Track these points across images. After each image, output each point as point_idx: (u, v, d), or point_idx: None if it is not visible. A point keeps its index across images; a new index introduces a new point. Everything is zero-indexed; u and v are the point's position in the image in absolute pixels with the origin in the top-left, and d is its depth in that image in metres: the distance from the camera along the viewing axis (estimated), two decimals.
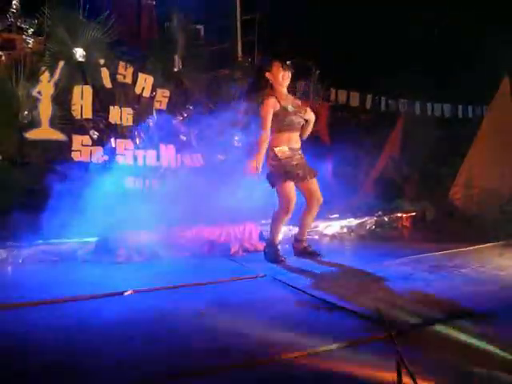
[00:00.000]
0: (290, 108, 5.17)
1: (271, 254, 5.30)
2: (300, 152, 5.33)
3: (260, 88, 5.29)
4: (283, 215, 5.23)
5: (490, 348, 2.80)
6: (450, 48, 10.41)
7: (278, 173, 5.12)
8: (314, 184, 5.32)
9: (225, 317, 3.51)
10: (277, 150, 5.14)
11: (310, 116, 5.35)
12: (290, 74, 5.29)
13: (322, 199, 5.35)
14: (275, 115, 5.13)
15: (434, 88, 10.30)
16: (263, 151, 5.11)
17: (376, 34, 10.40)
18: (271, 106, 5.12)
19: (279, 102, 5.15)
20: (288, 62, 5.25)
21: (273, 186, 5.19)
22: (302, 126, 5.36)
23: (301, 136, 5.38)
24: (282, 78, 5.21)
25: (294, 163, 5.16)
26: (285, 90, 5.31)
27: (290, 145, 5.21)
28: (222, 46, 8.17)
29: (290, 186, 5.14)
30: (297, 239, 5.56)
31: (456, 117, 11.42)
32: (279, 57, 5.28)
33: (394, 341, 2.48)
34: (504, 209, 7.74)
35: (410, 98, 11.13)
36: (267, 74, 5.24)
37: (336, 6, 10.14)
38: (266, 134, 5.11)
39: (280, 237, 5.50)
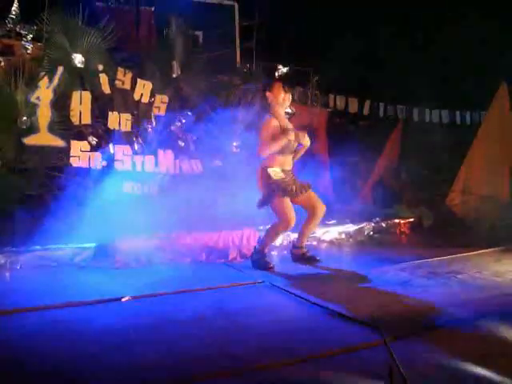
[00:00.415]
0: (290, 132, 5.15)
1: (259, 260, 5.27)
2: (291, 173, 5.35)
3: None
4: (282, 230, 5.25)
5: (487, 353, 2.81)
6: (448, 54, 10.44)
7: (272, 191, 5.13)
8: (311, 195, 5.35)
9: (224, 323, 3.52)
10: (270, 170, 5.13)
11: (307, 141, 5.35)
12: (290, 96, 5.33)
13: (324, 207, 5.37)
14: (274, 136, 5.13)
15: (432, 94, 10.32)
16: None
17: (375, 40, 10.45)
18: (273, 126, 5.16)
19: (280, 124, 5.17)
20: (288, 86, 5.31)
21: (267, 204, 5.20)
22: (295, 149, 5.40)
23: (293, 158, 5.41)
24: (283, 99, 5.24)
25: (286, 181, 5.16)
26: (283, 112, 5.34)
27: (284, 167, 5.23)
28: (220, 52, 8.17)
29: (286, 203, 5.14)
30: (295, 246, 5.56)
31: (454, 123, 11.44)
32: (282, 79, 5.33)
33: (389, 347, 2.48)
34: (502, 214, 7.76)
35: (408, 104, 11.16)
36: (267, 94, 5.28)
37: (335, 12, 10.18)
38: (264, 151, 5.14)
39: (270, 247, 5.52)
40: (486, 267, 5.13)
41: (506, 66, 8.48)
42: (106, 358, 2.88)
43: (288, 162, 5.29)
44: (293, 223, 5.14)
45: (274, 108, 5.26)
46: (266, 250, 5.36)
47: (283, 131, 5.13)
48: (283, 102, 5.26)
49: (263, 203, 5.23)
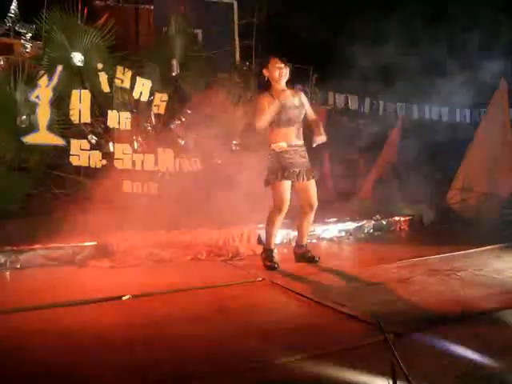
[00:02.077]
0: (287, 103, 5.03)
1: (265, 258, 5.19)
2: (303, 149, 5.19)
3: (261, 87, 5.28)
4: (276, 215, 5.10)
5: (488, 351, 2.81)
6: (447, 52, 10.43)
7: (274, 170, 5.03)
8: (310, 186, 5.18)
9: (225, 321, 3.53)
10: (273, 145, 5.03)
11: (304, 99, 5.26)
12: (288, 71, 5.13)
13: (316, 204, 5.23)
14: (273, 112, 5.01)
15: (432, 92, 10.33)
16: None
17: (375, 38, 10.43)
18: (265, 102, 5.01)
19: (274, 99, 5.01)
20: (284, 58, 5.12)
21: (267, 184, 5.10)
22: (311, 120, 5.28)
23: (316, 135, 5.17)
24: (279, 74, 5.07)
25: (291, 161, 5.03)
26: (282, 87, 5.12)
27: (289, 141, 5.06)
28: (219, 50, 8.17)
29: (285, 186, 5.03)
30: (297, 244, 5.53)
31: (454, 120, 11.46)
32: (275, 53, 5.15)
33: (390, 344, 2.48)
34: (502, 212, 7.77)
35: (407, 102, 11.17)
36: (264, 71, 5.15)
37: (335, 11, 10.19)
38: (260, 125, 5.03)
39: (275, 240, 5.41)
40: (486, 264, 5.11)
41: (505, 64, 8.47)
42: (107, 356, 2.88)
43: (294, 134, 5.10)
44: (285, 207, 5.04)
45: (272, 85, 5.12)
46: (272, 246, 5.23)
47: (280, 108, 4.99)
48: (280, 77, 5.07)
49: (267, 182, 5.10)
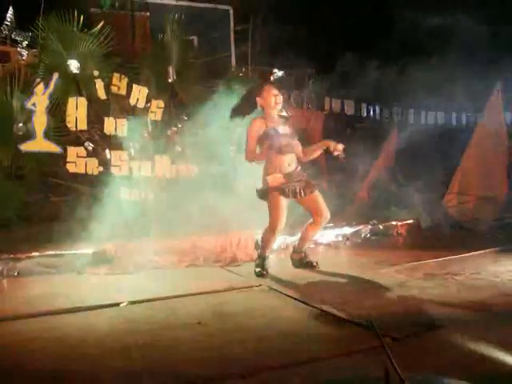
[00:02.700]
0: (279, 130, 4.99)
1: (257, 265, 5.16)
2: (299, 171, 5.12)
3: (247, 110, 5.21)
4: (271, 235, 5.08)
5: (486, 354, 2.82)
6: (442, 56, 10.46)
7: (272, 188, 4.95)
8: (315, 199, 5.11)
9: (223, 326, 3.53)
10: (269, 179, 4.94)
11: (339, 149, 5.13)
12: (282, 98, 5.14)
13: (327, 214, 5.15)
14: (264, 138, 4.96)
15: (428, 96, 10.34)
16: (262, 157, 5.01)
17: (370, 43, 10.47)
18: (258, 127, 4.99)
19: (268, 124, 4.99)
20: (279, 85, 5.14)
21: (263, 197, 5.04)
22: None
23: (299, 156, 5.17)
24: (275, 102, 5.04)
25: (288, 186, 4.95)
26: (276, 113, 5.12)
27: (284, 169, 5.00)
28: (215, 56, 8.19)
29: (282, 202, 4.96)
30: (295, 250, 5.50)
31: (450, 125, 11.48)
32: (269, 81, 5.16)
33: (386, 348, 2.49)
34: (499, 215, 7.78)
35: (403, 107, 11.19)
36: (257, 99, 5.08)
37: (330, 16, 10.22)
38: (251, 155, 5.05)
39: (271, 248, 5.36)
40: (483, 268, 5.12)
41: (500, 68, 8.50)
42: (104, 362, 2.88)
43: (288, 161, 5.03)
44: (280, 228, 5.01)
45: (266, 112, 5.09)
46: (266, 254, 5.20)
47: (272, 132, 4.94)
48: (275, 105, 5.06)
49: (261, 195, 5.06)
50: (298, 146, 5.18)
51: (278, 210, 4.96)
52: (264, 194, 5.02)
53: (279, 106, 5.13)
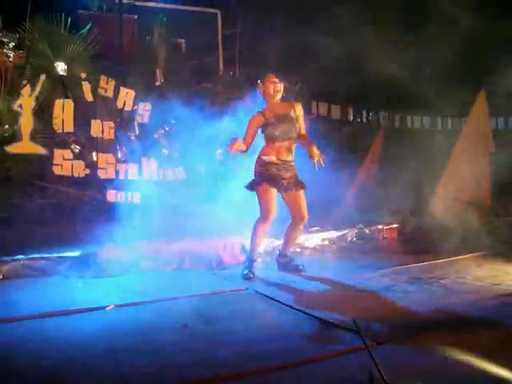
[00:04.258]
0: (276, 119, 5.11)
1: (244, 268, 5.24)
2: (291, 164, 5.23)
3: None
4: (262, 223, 5.17)
5: (469, 359, 2.85)
6: (428, 61, 10.56)
7: (261, 177, 5.11)
8: (298, 198, 5.19)
9: (209, 329, 3.54)
10: (264, 157, 5.13)
11: (299, 111, 5.28)
12: (282, 87, 5.25)
13: (306, 216, 5.25)
14: (264, 127, 5.16)
15: (414, 101, 10.43)
16: (242, 140, 5.09)
17: (357, 48, 10.52)
18: (256, 121, 5.18)
19: (266, 116, 5.15)
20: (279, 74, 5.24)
21: (252, 188, 5.17)
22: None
23: (311, 157, 4.98)
24: (273, 89, 5.20)
25: (278, 172, 5.09)
26: (276, 102, 5.26)
27: (280, 156, 5.14)
28: (203, 59, 8.20)
29: (271, 192, 5.08)
30: (280, 254, 5.56)
31: (435, 129, 11.57)
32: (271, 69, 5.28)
33: (370, 352, 2.51)
34: (485, 220, 7.84)
35: (389, 111, 11.26)
36: (259, 85, 5.29)
37: (317, 19, 10.25)
38: (246, 141, 5.14)
39: (259, 250, 5.47)
40: (467, 272, 5.19)
41: (484, 72, 8.59)
42: (92, 366, 2.88)
43: (285, 149, 5.15)
44: (271, 215, 5.09)
45: (266, 101, 5.28)
46: (255, 256, 5.30)
47: (271, 122, 5.11)
48: (274, 93, 5.21)
49: (250, 187, 5.19)
50: (293, 132, 5.18)
51: (267, 197, 5.08)
52: (253, 184, 5.16)
53: (278, 95, 5.25)
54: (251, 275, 5.13)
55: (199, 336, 3.39)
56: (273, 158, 5.12)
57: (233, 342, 3.25)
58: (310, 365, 2.85)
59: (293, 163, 5.25)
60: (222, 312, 3.95)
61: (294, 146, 5.24)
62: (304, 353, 3.02)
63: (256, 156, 5.28)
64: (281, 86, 5.25)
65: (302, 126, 5.31)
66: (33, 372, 2.82)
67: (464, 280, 4.87)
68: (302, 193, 5.22)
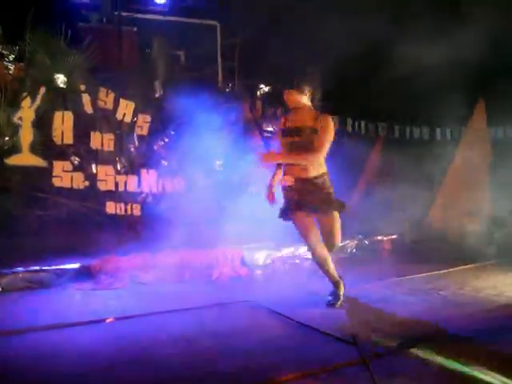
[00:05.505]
0: (291, 129, 4.50)
1: (335, 289, 4.62)
2: (316, 182, 4.43)
3: None
4: (311, 252, 4.50)
5: (468, 370, 2.85)
6: (426, 72, 10.57)
7: (287, 204, 4.54)
8: (330, 221, 4.47)
9: (210, 342, 3.53)
10: (283, 181, 4.51)
11: (322, 123, 4.43)
12: (293, 97, 4.56)
13: (335, 243, 4.57)
14: (280, 133, 4.62)
15: (412, 111, 10.44)
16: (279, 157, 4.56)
17: (355, 58, 10.55)
18: (279, 124, 4.73)
19: (286, 122, 4.58)
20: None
21: (286, 217, 4.55)
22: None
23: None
24: (288, 101, 4.58)
25: (301, 196, 4.42)
26: (297, 111, 4.57)
27: (299, 174, 4.44)
28: (202, 71, 8.22)
29: (299, 217, 4.43)
30: None
31: (434, 139, 11.58)
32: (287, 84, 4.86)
33: (367, 364, 2.51)
34: (483, 230, 7.85)
35: (388, 122, 11.28)
36: (284, 94, 4.65)
37: (316, 31, 10.29)
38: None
39: (335, 272, 4.68)
40: (467, 283, 5.19)
41: (483, 84, 8.62)
42: (93, 379, 2.87)
43: (298, 166, 4.45)
44: (312, 240, 4.40)
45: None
46: (337, 277, 4.65)
47: (286, 132, 4.53)
48: (289, 103, 4.58)
49: (280, 216, 4.59)
50: (306, 147, 4.43)
51: (300, 223, 4.46)
52: (284, 214, 4.57)
53: (292, 105, 4.62)
54: (339, 302, 4.50)
55: (201, 349, 3.38)
56: (291, 179, 4.44)
57: (233, 355, 3.24)
58: (309, 377, 2.84)
59: (318, 179, 4.46)
60: (222, 325, 3.94)
61: (317, 161, 4.48)
62: (303, 366, 3.01)
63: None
64: (293, 97, 4.60)
65: (318, 139, 4.39)
66: None
67: (463, 291, 4.87)
68: (333, 216, 4.48)
